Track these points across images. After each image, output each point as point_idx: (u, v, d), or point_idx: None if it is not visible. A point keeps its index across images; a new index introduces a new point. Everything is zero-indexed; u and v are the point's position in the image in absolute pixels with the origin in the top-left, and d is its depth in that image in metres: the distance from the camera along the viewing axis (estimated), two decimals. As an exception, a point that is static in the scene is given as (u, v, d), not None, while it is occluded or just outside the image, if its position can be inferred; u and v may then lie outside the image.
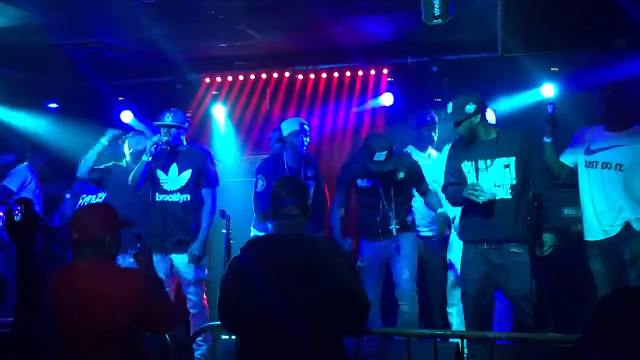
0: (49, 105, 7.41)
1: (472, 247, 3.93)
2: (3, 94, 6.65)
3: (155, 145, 4.47)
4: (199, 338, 4.25)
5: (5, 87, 6.66)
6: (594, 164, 4.15)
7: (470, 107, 3.87)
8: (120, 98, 7.31)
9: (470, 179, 3.89)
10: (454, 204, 4.12)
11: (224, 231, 4.39)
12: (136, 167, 4.55)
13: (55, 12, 5.16)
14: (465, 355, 3.30)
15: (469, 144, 3.95)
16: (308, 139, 4.73)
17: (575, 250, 4.34)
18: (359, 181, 4.43)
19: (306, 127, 4.75)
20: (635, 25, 4.01)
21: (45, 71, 6.92)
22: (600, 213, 4.11)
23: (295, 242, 2.65)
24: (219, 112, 6.92)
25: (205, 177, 4.58)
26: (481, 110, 3.93)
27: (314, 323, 2.47)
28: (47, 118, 7.16)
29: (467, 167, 3.94)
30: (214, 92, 6.98)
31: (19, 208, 1.95)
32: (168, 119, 4.56)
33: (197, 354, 4.38)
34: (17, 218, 1.94)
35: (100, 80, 7.10)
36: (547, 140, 4.16)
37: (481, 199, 3.74)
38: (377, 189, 4.34)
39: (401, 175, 4.33)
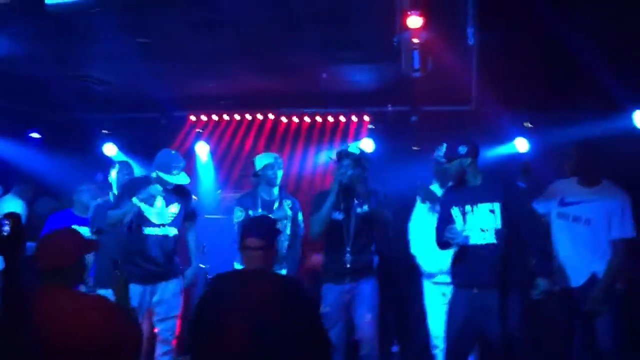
0: (30, 135, 7.46)
1: (460, 291, 4.02)
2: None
3: (149, 196, 4.45)
4: None
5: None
6: (566, 216, 4.33)
7: (463, 149, 4.03)
8: (104, 131, 7.40)
9: (458, 223, 4.00)
10: (440, 246, 4.24)
11: (203, 266, 4.45)
12: (125, 210, 4.44)
13: (48, 45, 5.27)
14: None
15: (457, 185, 4.10)
16: (281, 172, 4.78)
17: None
18: None
19: (280, 160, 4.82)
20: (598, 87, 4.28)
21: (29, 101, 7.00)
22: (569, 262, 4.27)
23: (258, 278, 2.68)
24: (202, 150, 7.04)
25: (190, 211, 4.68)
26: (473, 154, 4.07)
27: None
28: (30, 148, 7.20)
29: (455, 212, 4.05)
30: (198, 130, 7.12)
31: (6, 222, 2.00)
32: (176, 172, 4.55)
33: None
34: (5, 232, 1.98)
35: (85, 113, 7.20)
36: (521, 185, 4.34)
37: (454, 242, 3.89)
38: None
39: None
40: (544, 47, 3.82)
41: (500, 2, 3.15)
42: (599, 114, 4.87)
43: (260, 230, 2.79)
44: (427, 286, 4.76)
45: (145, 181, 4.56)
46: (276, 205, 4.73)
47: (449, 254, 4.20)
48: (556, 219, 4.39)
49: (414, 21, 3.38)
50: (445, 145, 4.12)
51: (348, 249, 4.32)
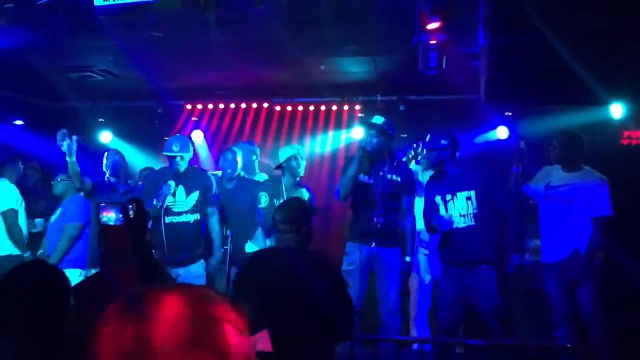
0: (14, 122, 7.53)
1: (448, 267, 4.49)
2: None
3: (164, 195, 4.74)
4: None
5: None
6: (551, 198, 4.81)
7: (444, 141, 4.48)
8: (100, 119, 7.57)
9: (441, 210, 4.49)
10: (428, 230, 4.71)
11: (225, 248, 4.77)
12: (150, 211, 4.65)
13: (55, 38, 5.44)
14: None
15: (438, 174, 4.55)
16: (304, 162, 5.05)
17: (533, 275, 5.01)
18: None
19: (302, 151, 5.10)
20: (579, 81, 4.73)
21: (24, 89, 7.12)
22: (553, 240, 4.77)
23: (286, 254, 2.97)
24: (198, 138, 7.30)
25: (211, 196, 4.92)
26: (453, 146, 4.53)
27: (305, 327, 2.72)
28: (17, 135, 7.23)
29: (438, 199, 4.54)
30: (193, 119, 7.36)
31: (130, 206, 2.28)
32: (176, 147, 4.81)
33: None
34: (131, 215, 2.28)
35: (82, 101, 7.35)
36: (515, 170, 4.80)
37: (440, 229, 4.40)
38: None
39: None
40: (534, 46, 4.24)
41: (508, 9, 3.56)
42: (580, 105, 5.35)
43: (288, 216, 3.07)
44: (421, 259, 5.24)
45: (160, 178, 4.86)
46: (297, 193, 4.96)
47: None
48: (543, 200, 4.87)
49: (432, 25, 3.77)
50: (430, 135, 4.53)
51: (375, 211, 4.55)
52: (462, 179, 4.48)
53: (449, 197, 4.48)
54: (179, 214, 4.81)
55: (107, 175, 5.33)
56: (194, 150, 5.23)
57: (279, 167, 5.03)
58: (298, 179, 5.02)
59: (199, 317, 0.96)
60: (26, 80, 6.64)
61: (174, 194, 4.79)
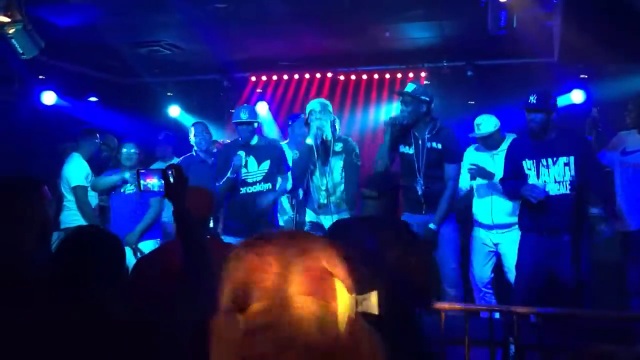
0: (89, 99, 7.80)
1: (529, 235, 4.31)
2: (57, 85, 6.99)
3: (236, 167, 4.82)
4: None
5: (59, 79, 7.00)
6: (628, 164, 4.58)
7: (552, 101, 4.26)
8: (169, 94, 7.76)
9: (532, 176, 4.25)
10: (512, 198, 4.52)
11: (291, 215, 4.85)
12: (222, 184, 4.84)
13: (125, 14, 5.58)
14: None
15: (523, 137, 4.34)
16: (331, 116, 4.68)
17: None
18: None
19: (329, 107, 4.75)
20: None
21: (97, 66, 7.37)
22: (631, 207, 4.55)
23: (370, 224, 3.03)
24: (262, 109, 7.36)
25: (281, 166, 4.97)
26: (555, 107, 4.28)
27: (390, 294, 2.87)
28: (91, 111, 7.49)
29: (528, 164, 4.29)
30: (258, 90, 7.43)
31: (170, 172, 2.33)
32: (244, 115, 4.88)
33: None
34: (171, 179, 2.33)
35: (150, 77, 7.55)
36: (588, 138, 4.59)
37: (535, 200, 4.13)
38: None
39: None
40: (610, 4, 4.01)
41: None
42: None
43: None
44: (476, 230, 5.07)
45: (230, 151, 4.94)
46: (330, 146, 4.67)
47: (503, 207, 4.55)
48: (619, 167, 4.65)
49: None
50: (535, 95, 4.21)
51: (418, 181, 4.41)
52: (560, 143, 4.21)
53: (544, 162, 4.22)
54: (253, 184, 4.89)
55: (195, 149, 5.48)
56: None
57: (306, 123, 4.74)
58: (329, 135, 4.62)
59: (308, 266, 0.97)
60: (98, 56, 6.86)
61: (245, 165, 4.88)
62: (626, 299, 4.54)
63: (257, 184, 4.91)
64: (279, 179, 4.98)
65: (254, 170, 4.92)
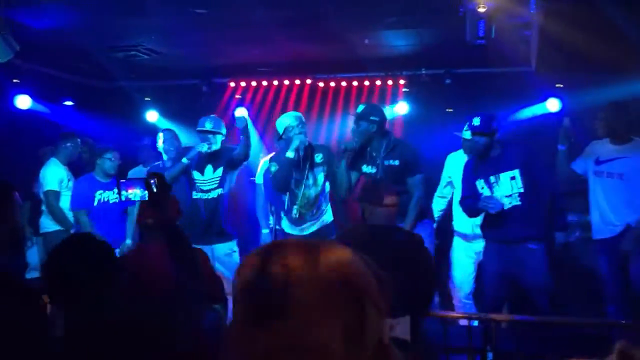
0: (64, 103, 7.67)
1: (492, 245, 4.41)
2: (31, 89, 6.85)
3: (197, 153, 4.88)
4: None
5: (34, 82, 6.88)
6: (601, 173, 4.65)
7: (495, 124, 4.36)
8: (146, 98, 7.67)
9: (485, 194, 4.38)
10: (472, 215, 4.59)
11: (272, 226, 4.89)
12: (174, 168, 4.94)
13: (102, 17, 5.51)
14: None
15: (479, 158, 4.43)
16: (305, 128, 4.81)
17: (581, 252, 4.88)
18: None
19: (302, 119, 4.85)
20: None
21: (72, 69, 7.26)
22: (604, 216, 4.61)
23: (381, 234, 3.02)
24: (243, 114, 7.30)
25: (229, 160, 4.98)
26: (497, 129, 4.39)
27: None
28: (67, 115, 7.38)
29: (480, 184, 4.44)
30: (237, 96, 7.39)
31: (153, 181, 2.34)
32: (209, 125, 4.93)
33: None
34: (154, 189, 2.33)
35: (128, 81, 7.46)
36: (561, 148, 4.65)
37: (492, 211, 4.28)
38: None
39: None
40: (586, 13, 4.07)
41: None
42: (635, 75, 5.12)
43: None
44: (457, 241, 5.12)
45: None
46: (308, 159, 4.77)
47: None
48: (593, 176, 4.72)
49: (481, -8, 3.63)
50: (479, 118, 4.36)
51: None
52: (504, 159, 4.35)
53: (492, 178, 4.36)
54: (208, 191, 4.94)
55: (165, 157, 5.42)
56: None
57: (280, 138, 4.85)
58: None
59: (339, 282, 0.89)
60: (74, 60, 6.76)
61: (202, 172, 4.86)
62: (604, 306, 4.59)
63: (212, 191, 4.95)
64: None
65: (209, 177, 4.95)
